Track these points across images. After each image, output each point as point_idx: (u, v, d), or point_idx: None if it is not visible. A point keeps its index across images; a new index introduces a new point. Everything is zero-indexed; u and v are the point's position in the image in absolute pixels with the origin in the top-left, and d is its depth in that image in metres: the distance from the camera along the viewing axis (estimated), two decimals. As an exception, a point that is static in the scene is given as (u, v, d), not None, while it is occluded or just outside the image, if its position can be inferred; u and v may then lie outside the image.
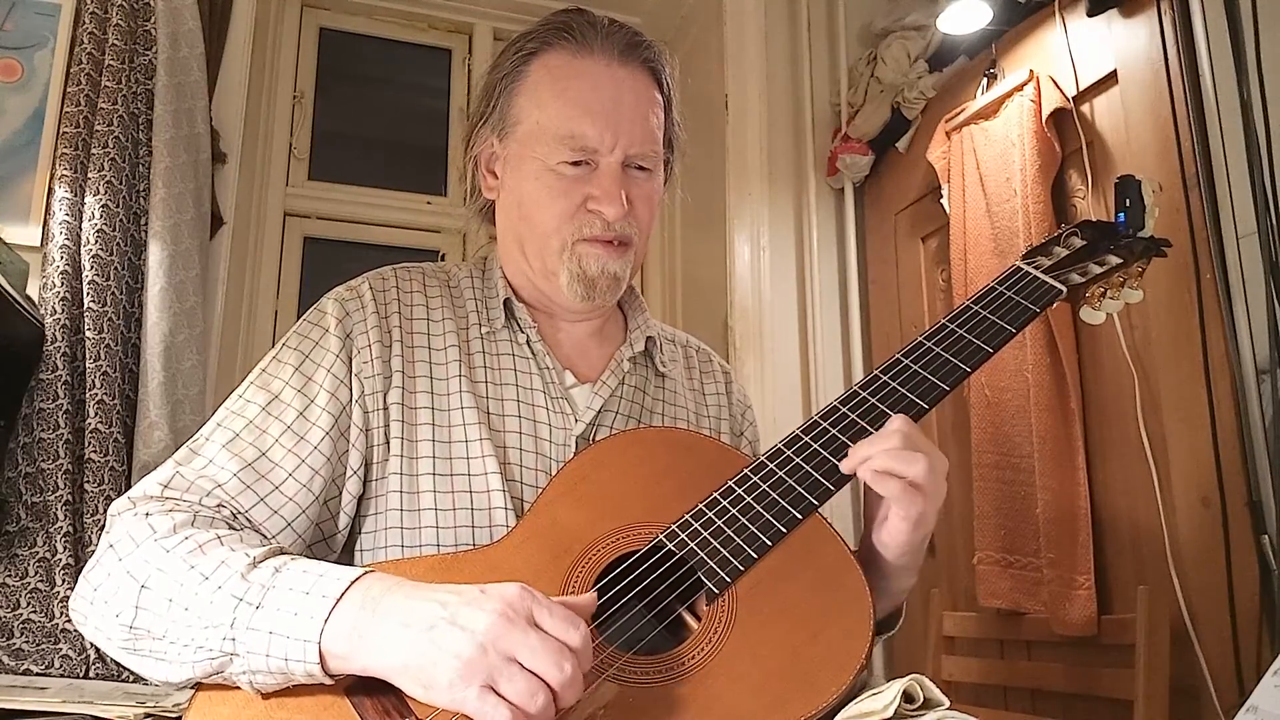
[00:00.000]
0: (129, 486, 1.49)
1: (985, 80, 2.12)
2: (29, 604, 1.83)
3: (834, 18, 2.67)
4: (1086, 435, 1.80)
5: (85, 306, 2.01)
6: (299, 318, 1.04)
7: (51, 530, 1.87)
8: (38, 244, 2.07)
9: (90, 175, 2.09)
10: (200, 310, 2.16)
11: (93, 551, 0.92)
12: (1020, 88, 1.98)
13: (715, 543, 0.87)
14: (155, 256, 2.09)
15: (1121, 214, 1.10)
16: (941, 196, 2.19)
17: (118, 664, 1.48)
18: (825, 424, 0.94)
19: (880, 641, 0.94)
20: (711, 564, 0.85)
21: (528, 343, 1.07)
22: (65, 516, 1.88)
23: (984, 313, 0.99)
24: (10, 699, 1.44)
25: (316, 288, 1.98)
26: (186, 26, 2.26)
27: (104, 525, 0.87)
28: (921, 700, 0.79)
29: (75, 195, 2.07)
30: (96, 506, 1.90)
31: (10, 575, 1.84)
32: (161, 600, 0.78)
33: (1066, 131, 1.92)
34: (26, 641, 1.79)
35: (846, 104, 2.55)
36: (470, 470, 0.98)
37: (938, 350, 0.97)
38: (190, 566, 0.79)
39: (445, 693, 0.70)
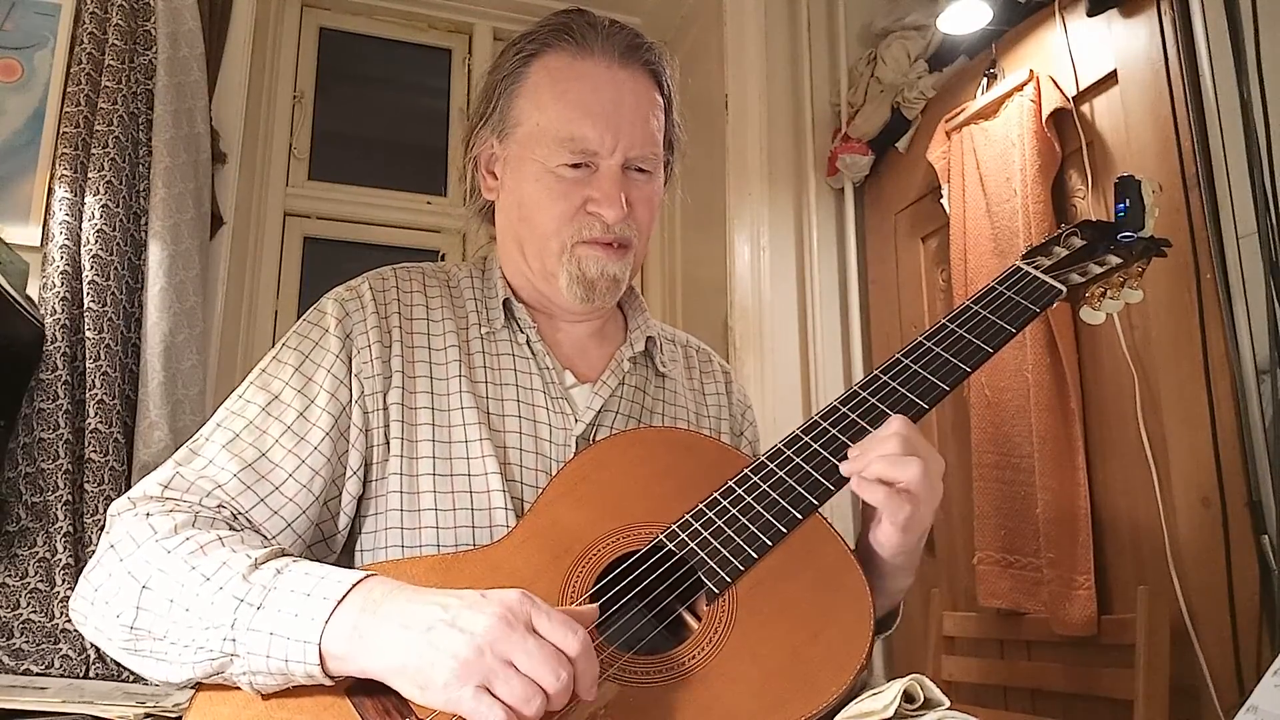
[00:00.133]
0: (129, 486, 1.49)
1: (985, 80, 2.12)
2: (29, 604, 1.83)
3: (834, 18, 2.67)
4: (1086, 435, 1.80)
5: (85, 306, 2.01)
6: (299, 318, 1.04)
7: (51, 530, 1.87)
8: (38, 244, 2.07)
9: (90, 175, 2.09)
10: (200, 310, 2.16)
11: (93, 551, 0.92)
12: (1020, 88, 1.98)
13: (715, 543, 0.87)
14: (155, 256, 2.09)
15: (1121, 214, 1.10)
16: (941, 196, 2.19)
17: (118, 664, 1.48)
18: (825, 424, 0.94)
19: (877, 641, 0.94)
20: (712, 564, 0.85)
21: (527, 343, 1.07)
22: (65, 516, 1.88)
23: (984, 313, 0.99)
24: (10, 699, 1.44)
25: (316, 288, 1.98)
26: (186, 26, 2.26)
27: (104, 525, 0.87)
28: (922, 700, 0.79)
29: (75, 195, 2.07)
30: (96, 506, 1.90)
31: (10, 575, 1.84)
32: (162, 601, 0.78)
33: (1066, 131, 1.92)
34: (26, 641, 1.79)
35: (846, 104, 2.55)
36: (470, 470, 0.98)
37: (938, 350, 0.97)
38: (191, 567, 0.79)
39: (441, 693, 0.70)
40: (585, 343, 1.12)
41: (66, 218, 2.05)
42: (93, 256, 2.03)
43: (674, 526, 0.89)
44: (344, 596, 0.75)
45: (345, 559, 0.99)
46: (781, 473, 0.91)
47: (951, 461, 2.17)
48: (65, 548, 1.86)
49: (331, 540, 0.97)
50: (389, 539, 0.96)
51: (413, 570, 0.84)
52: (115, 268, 2.05)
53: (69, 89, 2.15)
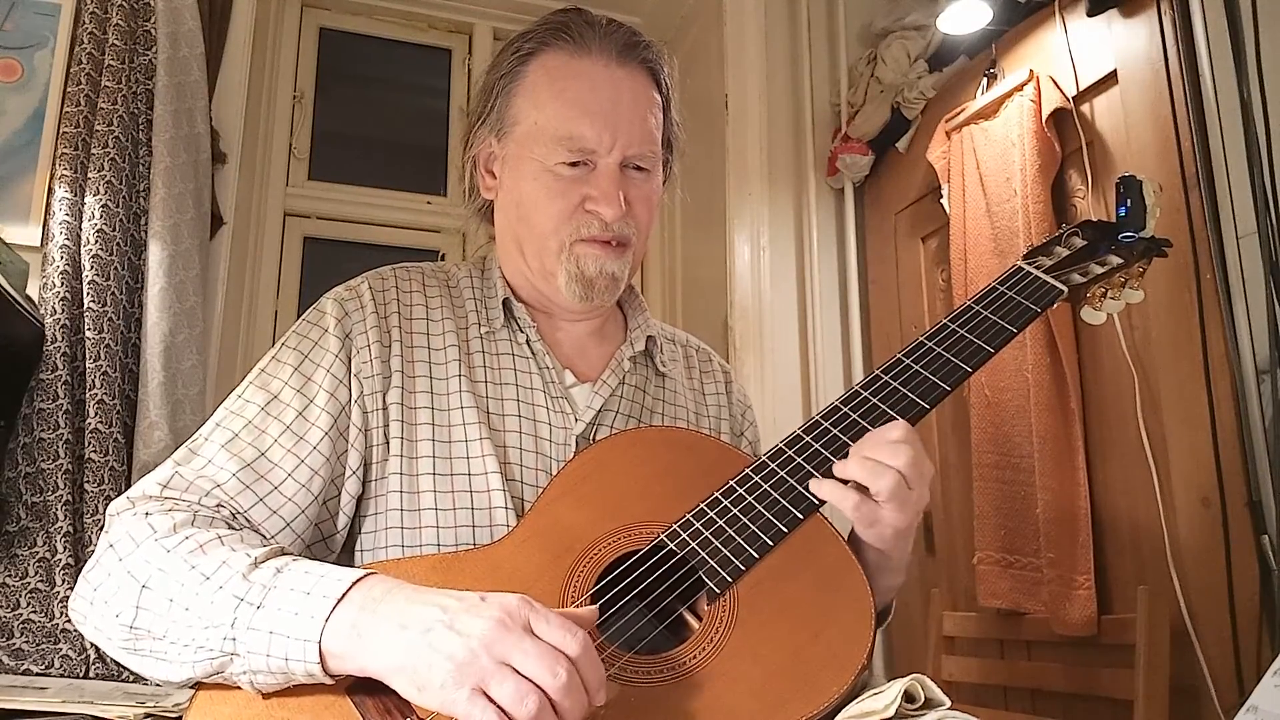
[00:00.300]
0: (129, 486, 1.48)
1: (985, 80, 2.12)
2: (29, 604, 1.83)
3: (834, 18, 2.67)
4: (1086, 435, 1.80)
5: (85, 306, 2.01)
6: (299, 318, 1.04)
7: (51, 530, 1.87)
8: (38, 244, 2.07)
9: (90, 175, 2.09)
10: (200, 310, 2.16)
11: (93, 551, 0.92)
12: (1020, 88, 1.98)
13: (716, 542, 0.87)
14: (155, 256, 2.09)
15: (1123, 214, 1.10)
16: (941, 196, 2.19)
17: (118, 664, 1.48)
18: (826, 423, 0.94)
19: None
20: (713, 563, 0.85)
21: (527, 342, 1.07)
22: (65, 516, 1.88)
23: (985, 313, 0.99)
24: (10, 699, 1.44)
25: (316, 288, 1.97)
26: (186, 26, 2.26)
27: (104, 525, 0.87)
28: (923, 700, 0.79)
29: (75, 195, 2.07)
30: (96, 506, 1.90)
31: (10, 575, 1.84)
32: (162, 600, 0.78)
33: (1066, 131, 1.92)
34: (26, 641, 1.79)
35: (846, 104, 2.55)
36: (470, 470, 0.97)
37: (939, 350, 0.97)
38: (191, 566, 0.79)
39: (437, 694, 0.70)
40: (585, 342, 1.12)
41: (66, 218, 2.05)
42: (93, 256, 2.03)
43: (675, 526, 0.89)
44: (344, 595, 0.75)
45: (345, 559, 0.99)
46: (783, 472, 0.91)
47: (951, 461, 2.17)
48: (65, 548, 1.86)
49: (331, 540, 0.97)
50: (389, 539, 0.96)
51: (414, 570, 0.84)
52: (115, 268, 2.05)
53: (69, 89, 2.15)
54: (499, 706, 0.68)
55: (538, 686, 0.68)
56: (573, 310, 1.09)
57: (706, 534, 0.87)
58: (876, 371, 0.97)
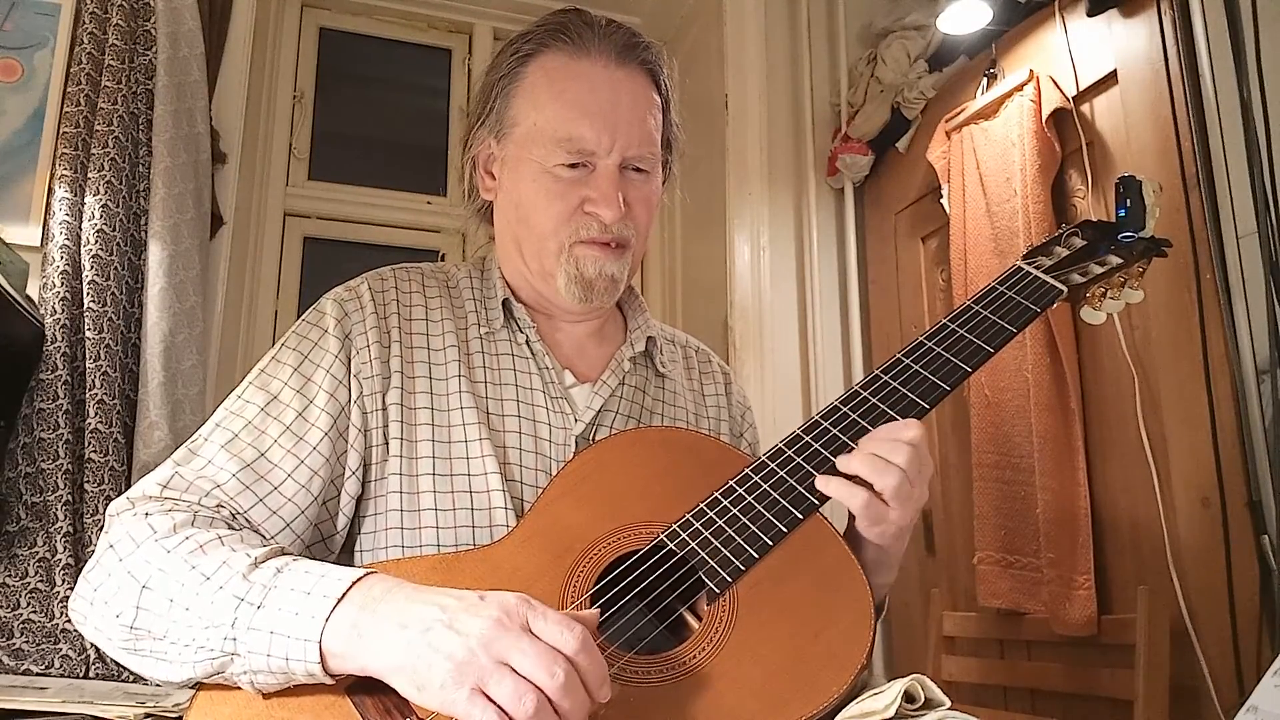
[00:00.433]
0: (129, 486, 1.48)
1: (985, 80, 2.12)
2: (29, 604, 1.83)
3: (834, 18, 2.67)
4: (1086, 435, 1.80)
5: (85, 306, 2.01)
6: (299, 318, 1.04)
7: (51, 530, 1.87)
8: (38, 244, 2.07)
9: (90, 175, 2.09)
10: (200, 310, 2.16)
11: (92, 552, 0.92)
12: (1020, 88, 1.98)
13: (716, 542, 0.87)
14: (155, 256, 2.09)
15: (1122, 214, 1.10)
16: (941, 196, 2.19)
17: (118, 664, 1.48)
18: (826, 424, 0.94)
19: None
20: (712, 564, 0.85)
21: (527, 343, 1.07)
22: (65, 516, 1.88)
23: (985, 313, 0.99)
24: (10, 699, 1.44)
25: (316, 288, 1.98)
26: (186, 26, 2.26)
27: (104, 525, 0.87)
28: (923, 700, 0.79)
29: (75, 195, 2.07)
30: (96, 506, 1.90)
31: (10, 575, 1.84)
32: (162, 600, 0.78)
33: (1066, 131, 1.92)
34: (26, 641, 1.79)
35: (846, 104, 2.55)
36: (470, 470, 0.97)
37: (939, 350, 0.97)
38: (191, 567, 0.79)
39: (436, 694, 0.70)
40: (584, 343, 1.12)
41: (66, 218, 2.05)
42: (93, 256, 2.03)
43: (675, 526, 0.89)
44: (344, 594, 0.75)
45: (345, 559, 0.99)
46: (782, 472, 0.91)
47: (951, 461, 2.17)
48: (65, 548, 1.86)
49: (330, 540, 0.97)
50: (389, 539, 0.96)
51: (414, 570, 0.84)
52: (115, 268, 2.05)
53: (69, 89, 2.15)
54: (498, 706, 0.68)
55: (536, 686, 0.68)
56: (572, 311, 1.09)
57: (706, 534, 0.87)
58: (876, 371, 0.97)
